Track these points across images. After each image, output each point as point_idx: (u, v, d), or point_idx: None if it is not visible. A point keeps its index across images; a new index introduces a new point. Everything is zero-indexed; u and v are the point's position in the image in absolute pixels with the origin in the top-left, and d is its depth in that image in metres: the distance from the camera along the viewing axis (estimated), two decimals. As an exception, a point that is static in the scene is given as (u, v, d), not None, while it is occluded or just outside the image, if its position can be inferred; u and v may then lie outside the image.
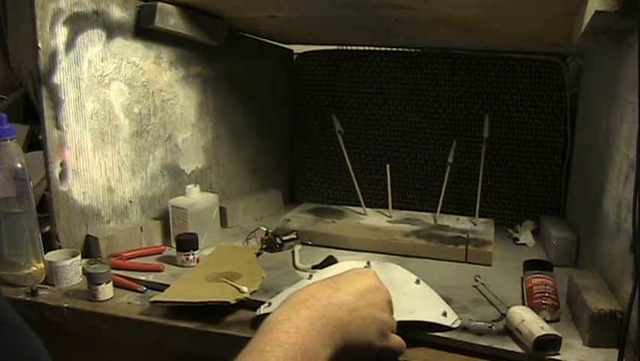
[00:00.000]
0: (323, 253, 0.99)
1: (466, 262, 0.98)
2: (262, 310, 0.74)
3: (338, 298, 0.55)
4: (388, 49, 1.32)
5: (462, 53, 1.25)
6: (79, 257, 0.89)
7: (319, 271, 0.89)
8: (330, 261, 0.94)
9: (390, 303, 0.62)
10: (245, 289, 0.79)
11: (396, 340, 0.61)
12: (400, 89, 1.30)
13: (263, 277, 0.85)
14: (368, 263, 0.86)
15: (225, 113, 1.23)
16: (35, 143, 1.30)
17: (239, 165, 1.29)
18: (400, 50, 1.31)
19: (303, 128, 1.41)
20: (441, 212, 1.14)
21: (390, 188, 1.14)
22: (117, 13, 0.96)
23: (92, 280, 0.81)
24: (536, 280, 0.79)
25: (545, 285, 0.78)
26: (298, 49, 1.40)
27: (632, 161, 0.67)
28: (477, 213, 1.11)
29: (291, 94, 1.41)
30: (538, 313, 0.71)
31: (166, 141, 1.09)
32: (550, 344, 0.65)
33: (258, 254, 1.00)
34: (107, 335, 0.79)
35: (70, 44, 0.89)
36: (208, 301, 0.75)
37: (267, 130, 1.35)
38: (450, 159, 1.13)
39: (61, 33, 0.87)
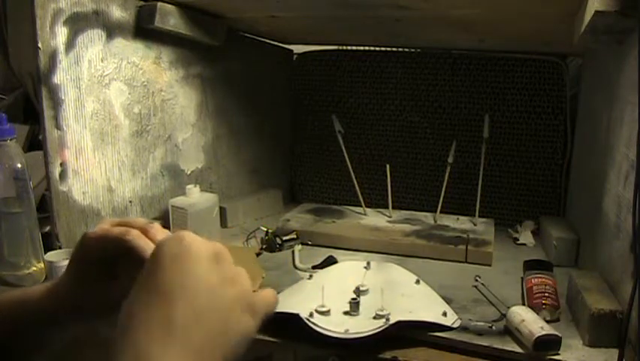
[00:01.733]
0: (323, 253, 0.99)
1: (466, 262, 0.98)
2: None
3: (185, 320, 0.38)
4: (388, 49, 1.32)
5: (462, 53, 1.25)
6: (79, 257, 0.88)
7: (319, 271, 0.89)
8: (330, 261, 0.94)
9: (227, 254, 0.44)
10: (245, 289, 0.78)
11: (264, 296, 0.44)
12: (400, 89, 1.30)
13: (263, 277, 0.85)
14: (368, 263, 0.87)
15: (225, 113, 1.23)
16: (35, 143, 1.30)
17: (239, 165, 1.29)
18: (400, 50, 1.31)
19: (303, 128, 1.41)
20: (441, 212, 1.14)
21: (390, 188, 1.14)
22: (117, 13, 0.96)
23: (92, 280, 0.81)
24: (536, 280, 0.79)
25: (545, 285, 0.78)
26: (298, 49, 1.40)
27: (632, 161, 0.67)
28: (477, 213, 1.11)
29: (291, 94, 1.41)
30: (538, 314, 0.71)
31: (166, 141, 1.09)
32: (550, 344, 0.65)
33: (258, 254, 1.00)
34: (106, 335, 0.79)
35: (70, 44, 0.89)
36: (208, 301, 0.74)
37: (267, 130, 1.35)
38: (450, 159, 1.13)
39: (61, 33, 0.87)
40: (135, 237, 0.49)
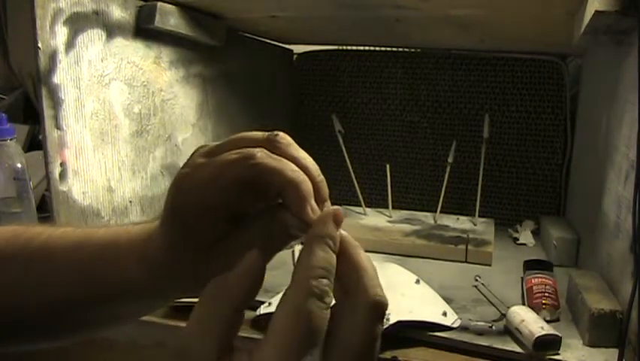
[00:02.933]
0: (323, 253, 0.99)
1: (466, 262, 0.98)
2: (262, 310, 0.74)
3: None
4: (388, 49, 1.32)
5: (462, 53, 1.25)
6: (79, 257, 0.88)
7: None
8: (330, 261, 0.93)
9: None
10: (245, 289, 0.78)
11: None
12: (400, 89, 1.30)
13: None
14: (368, 263, 0.87)
15: (225, 113, 1.23)
16: (35, 143, 1.30)
17: (239, 165, 1.28)
18: (400, 50, 1.31)
19: (303, 128, 1.41)
20: (441, 212, 1.14)
21: (390, 188, 1.14)
22: (117, 13, 0.96)
23: (92, 280, 0.81)
24: (536, 280, 0.79)
25: (545, 285, 0.78)
26: (298, 49, 1.40)
27: (632, 161, 0.67)
28: (477, 213, 1.11)
29: (291, 94, 1.41)
30: (538, 313, 0.71)
31: (166, 141, 1.09)
32: (550, 344, 0.65)
33: (258, 254, 0.99)
34: (105, 334, 0.79)
35: (70, 44, 0.89)
36: (208, 301, 0.74)
37: (267, 130, 1.35)
38: (450, 159, 1.13)
39: (61, 33, 0.87)
40: (263, 157, 0.34)
